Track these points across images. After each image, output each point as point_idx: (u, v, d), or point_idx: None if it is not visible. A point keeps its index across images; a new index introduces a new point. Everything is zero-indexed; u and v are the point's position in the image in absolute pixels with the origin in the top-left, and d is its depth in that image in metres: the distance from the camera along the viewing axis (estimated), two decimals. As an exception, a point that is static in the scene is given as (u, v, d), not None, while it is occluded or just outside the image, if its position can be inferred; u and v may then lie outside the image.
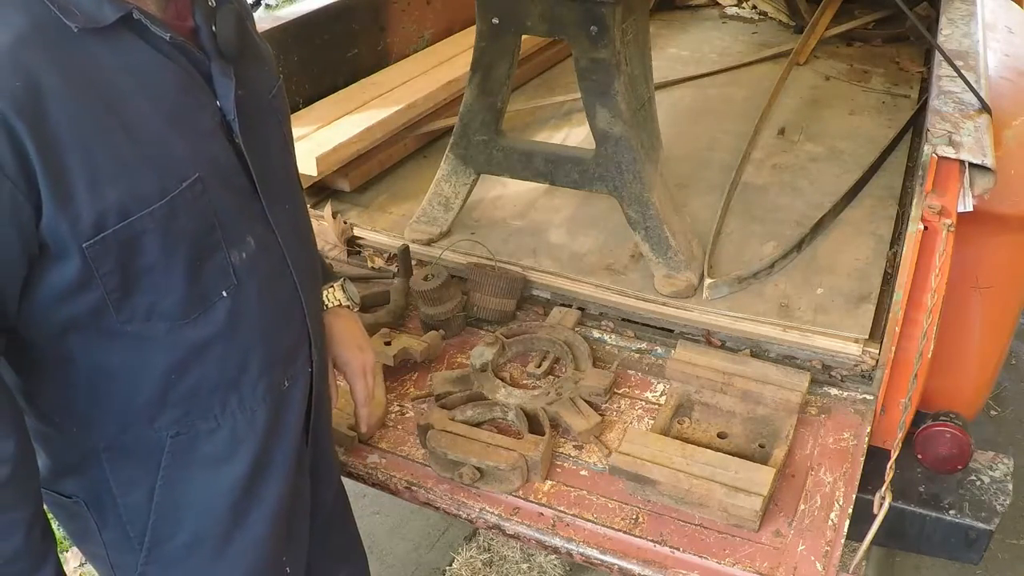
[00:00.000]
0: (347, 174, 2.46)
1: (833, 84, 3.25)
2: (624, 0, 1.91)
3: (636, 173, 2.01)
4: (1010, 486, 1.77)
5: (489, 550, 2.64)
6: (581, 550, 1.52)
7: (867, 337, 1.88)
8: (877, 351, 1.81)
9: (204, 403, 1.21)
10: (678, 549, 1.49)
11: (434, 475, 1.65)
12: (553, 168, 2.11)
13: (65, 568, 1.23)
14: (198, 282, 1.13)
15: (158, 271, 1.09)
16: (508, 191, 2.49)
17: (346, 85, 2.71)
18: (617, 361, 1.93)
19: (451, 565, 2.61)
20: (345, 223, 2.34)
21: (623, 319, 2.07)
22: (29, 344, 1.12)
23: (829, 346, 1.88)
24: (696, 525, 1.53)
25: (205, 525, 1.27)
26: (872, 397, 1.78)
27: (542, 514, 1.58)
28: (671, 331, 2.02)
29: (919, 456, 1.79)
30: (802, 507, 1.55)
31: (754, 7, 4.03)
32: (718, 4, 4.11)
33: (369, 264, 2.28)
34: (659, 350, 1.96)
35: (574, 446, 1.71)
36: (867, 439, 1.69)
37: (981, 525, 1.71)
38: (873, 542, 1.45)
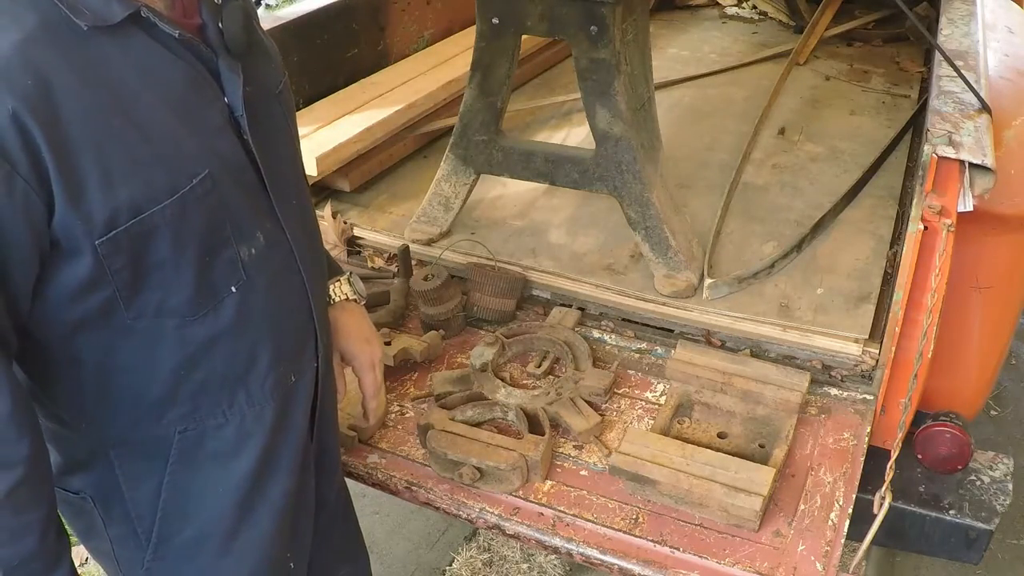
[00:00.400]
0: (347, 174, 2.46)
1: (833, 84, 3.25)
2: (624, 0, 1.91)
3: (636, 173, 2.01)
4: (1010, 486, 1.77)
5: (489, 550, 2.64)
6: (581, 550, 1.52)
7: (867, 337, 1.88)
8: (877, 351, 1.81)
9: (212, 399, 1.22)
10: (678, 549, 1.49)
11: (434, 475, 1.65)
12: (553, 168, 2.11)
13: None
14: (207, 278, 1.14)
15: (168, 267, 1.10)
16: (508, 191, 2.49)
17: (346, 85, 2.70)
18: (617, 361, 1.93)
19: (451, 565, 2.61)
20: (345, 223, 2.34)
21: (623, 319, 2.07)
22: (39, 342, 1.12)
23: (829, 346, 1.88)
24: (696, 525, 1.53)
25: (211, 520, 1.28)
26: (872, 397, 1.78)
27: (542, 514, 1.58)
28: (671, 331, 2.02)
29: (919, 456, 1.79)
30: (802, 507, 1.55)
31: (754, 7, 4.03)
32: (718, 4, 4.11)
33: (369, 264, 2.28)
34: (659, 350, 1.96)
35: (574, 446, 1.71)
36: (867, 439, 1.69)
37: (981, 525, 1.71)
38: (873, 542, 1.45)
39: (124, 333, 1.12)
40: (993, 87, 1.85)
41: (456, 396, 1.78)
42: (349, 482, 1.69)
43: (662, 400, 1.81)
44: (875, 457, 1.66)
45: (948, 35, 2.04)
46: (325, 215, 2.33)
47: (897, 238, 2.18)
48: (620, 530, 1.53)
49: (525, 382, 1.88)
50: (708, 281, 2.03)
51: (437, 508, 1.64)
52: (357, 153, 2.46)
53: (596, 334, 2.02)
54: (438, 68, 2.84)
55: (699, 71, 3.33)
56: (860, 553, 1.44)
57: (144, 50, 1.07)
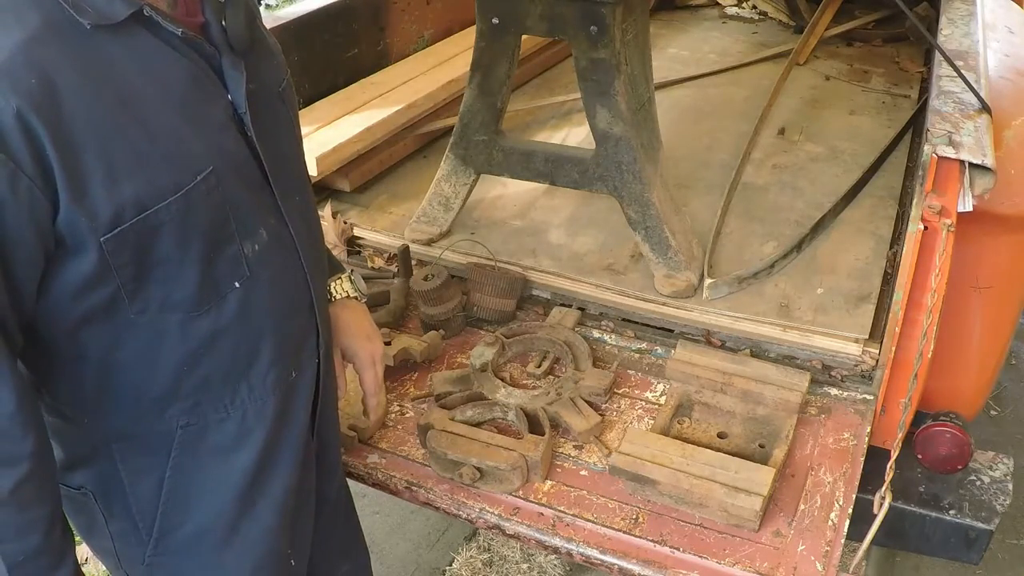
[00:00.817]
0: (347, 174, 2.46)
1: (833, 84, 3.25)
2: (624, 0, 1.91)
3: (636, 173, 2.01)
4: (1010, 486, 1.77)
5: (489, 550, 2.64)
6: (581, 550, 1.52)
7: (867, 337, 1.88)
8: (877, 351, 1.81)
9: (215, 393, 1.22)
10: (678, 549, 1.49)
11: (434, 475, 1.65)
12: (553, 168, 2.11)
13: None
14: (211, 273, 1.15)
15: (173, 263, 1.11)
16: (508, 191, 2.49)
17: (346, 85, 2.70)
18: (617, 361, 1.93)
19: (451, 565, 2.61)
20: (345, 223, 2.34)
21: (623, 319, 2.07)
22: (42, 338, 1.12)
23: (829, 346, 1.88)
24: (696, 525, 1.53)
25: (212, 515, 1.28)
26: (872, 397, 1.78)
27: (542, 514, 1.58)
28: (671, 331, 2.02)
29: (919, 456, 1.79)
30: (802, 507, 1.55)
31: (754, 7, 4.03)
32: (718, 4, 4.11)
33: (369, 264, 2.28)
34: (659, 350, 1.96)
35: (574, 446, 1.71)
36: (867, 439, 1.69)
37: (981, 525, 1.71)
38: (873, 542, 1.46)
39: (127, 328, 1.13)
40: (993, 87, 1.85)
41: (456, 396, 1.78)
42: (349, 482, 1.69)
43: (662, 400, 1.81)
44: (875, 457, 1.66)
45: (948, 35, 2.04)
46: (325, 215, 2.33)
47: (897, 238, 2.18)
48: (620, 530, 1.53)
49: (525, 382, 1.88)
50: (708, 281, 2.03)
51: (437, 508, 1.64)
52: (357, 153, 2.46)
53: (596, 334, 2.02)
54: (438, 68, 2.84)
55: (699, 71, 3.33)
56: (860, 553, 1.44)
57: (147, 48, 1.08)
